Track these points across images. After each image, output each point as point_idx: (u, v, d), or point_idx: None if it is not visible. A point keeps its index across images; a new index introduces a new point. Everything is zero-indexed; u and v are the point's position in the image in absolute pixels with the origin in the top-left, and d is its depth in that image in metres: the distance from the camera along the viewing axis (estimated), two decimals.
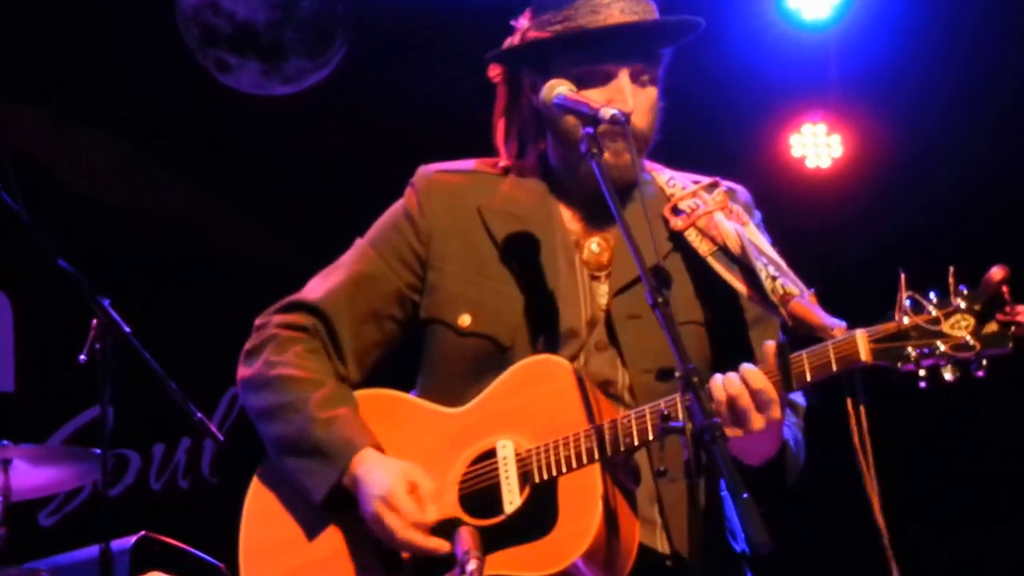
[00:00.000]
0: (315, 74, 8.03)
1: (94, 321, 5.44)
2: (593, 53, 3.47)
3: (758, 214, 3.59)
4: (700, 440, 2.92)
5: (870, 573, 3.25)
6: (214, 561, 5.91)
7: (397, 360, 3.71)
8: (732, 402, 3.16)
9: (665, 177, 3.60)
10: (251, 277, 7.75)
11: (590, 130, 3.31)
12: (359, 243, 3.67)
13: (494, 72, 3.66)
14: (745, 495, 2.82)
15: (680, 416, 3.15)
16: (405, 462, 3.42)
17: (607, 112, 3.30)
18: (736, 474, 2.86)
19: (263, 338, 3.62)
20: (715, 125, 7.41)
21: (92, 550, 5.54)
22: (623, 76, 3.46)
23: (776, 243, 3.47)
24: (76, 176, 7.86)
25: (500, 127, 3.67)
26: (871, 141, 8.02)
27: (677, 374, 3.01)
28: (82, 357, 5.45)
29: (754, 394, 3.15)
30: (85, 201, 7.81)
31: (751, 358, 3.41)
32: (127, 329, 5.45)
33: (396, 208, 3.67)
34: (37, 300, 7.65)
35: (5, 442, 5.94)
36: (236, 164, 8.00)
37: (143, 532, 5.99)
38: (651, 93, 3.52)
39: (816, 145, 8.08)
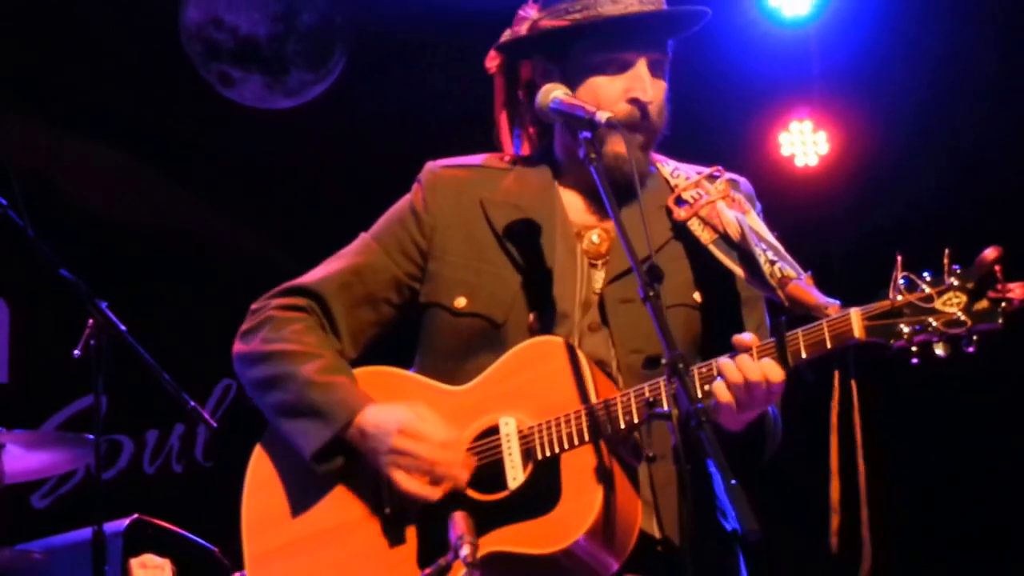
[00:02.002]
0: (316, 86, 8.09)
1: (90, 321, 5.49)
2: (613, 42, 3.51)
3: (759, 206, 3.64)
4: (687, 426, 2.96)
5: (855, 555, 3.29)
6: (207, 544, 5.94)
7: (395, 342, 3.76)
8: (752, 387, 3.19)
9: (669, 168, 3.64)
10: (246, 278, 7.79)
11: (587, 135, 3.35)
12: (363, 236, 3.72)
13: (492, 63, 3.70)
14: (734, 482, 2.86)
15: (665, 403, 3.21)
16: (406, 402, 3.46)
17: (603, 116, 3.35)
18: (724, 459, 2.89)
19: (260, 319, 3.67)
20: (703, 126, 7.42)
21: (85, 532, 5.56)
22: (641, 65, 3.51)
23: (777, 233, 3.52)
24: (78, 188, 7.91)
25: (503, 120, 3.72)
26: (856, 137, 8.03)
27: (663, 361, 3.05)
28: (77, 352, 5.50)
29: (771, 386, 3.19)
30: (84, 211, 7.87)
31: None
32: (123, 327, 5.50)
33: (402, 203, 3.72)
34: (34, 303, 7.69)
35: None
36: (235, 176, 8.06)
37: (136, 515, 6.01)
38: (663, 85, 3.57)
39: (804, 143, 8.09)
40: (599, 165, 3.31)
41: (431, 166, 3.73)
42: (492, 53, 3.70)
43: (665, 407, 3.21)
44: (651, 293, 3.13)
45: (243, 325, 3.70)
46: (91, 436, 5.73)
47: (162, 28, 7.88)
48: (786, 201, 7.77)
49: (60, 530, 6.21)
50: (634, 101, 3.48)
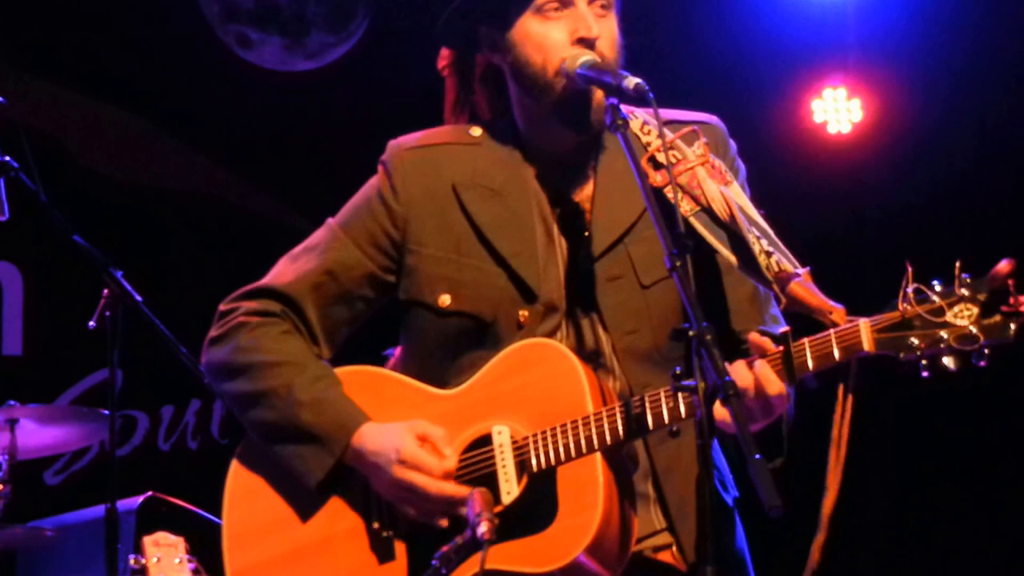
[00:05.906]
0: (337, 48, 8.00)
1: (105, 291, 5.42)
2: None
3: (734, 145, 3.49)
4: (713, 399, 2.87)
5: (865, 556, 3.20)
6: (221, 523, 5.90)
7: (370, 334, 3.64)
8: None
9: (639, 122, 3.45)
10: (265, 246, 7.72)
11: (614, 101, 3.22)
12: (331, 224, 3.54)
13: (443, 64, 3.55)
14: (758, 456, 2.77)
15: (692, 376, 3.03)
16: (403, 421, 3.34)
17: (631, 82, 3.21)
18: (749, 433, 2.81)
19: (232, 324, 3.50)
20: (735, 89, 7.36)
21: (98, 510, 5.55)
22: (580, 1, 3.36)
23: (763, 211, 3.36)
24: (92, 153, 7.86)
25: (449, 87, 3.56)
26: (891, 105, 8.00)
27: (691, 332, 2.92)
28: (92, 324, 5.44)
29: (768, 398, 3.09)
30: (99, 177, 7.83)
31: (724, 306, 3.37)
32: (139, 298, 5.43)
33: (368, 190, 3.54)
34: (48, 271, 7.68)
35: (12, 402, 5.97)
36: (253, 140, 7.99)
37: (150, 492, 6.01)
38: (612, 22, 3.41)
39: (836, 110, 8.08)
40: (626, 132, 3.18)
41: (395, 147, 3.54)
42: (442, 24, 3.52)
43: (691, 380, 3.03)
44: (678, 263, 2.98)
45: (212, 331, 3.52)
46: (106, 411, 5.71)
47: None
48: (816, 168, 7.75)
49: (73, 507, 6.24)
50: (581, 40, 3.33)
